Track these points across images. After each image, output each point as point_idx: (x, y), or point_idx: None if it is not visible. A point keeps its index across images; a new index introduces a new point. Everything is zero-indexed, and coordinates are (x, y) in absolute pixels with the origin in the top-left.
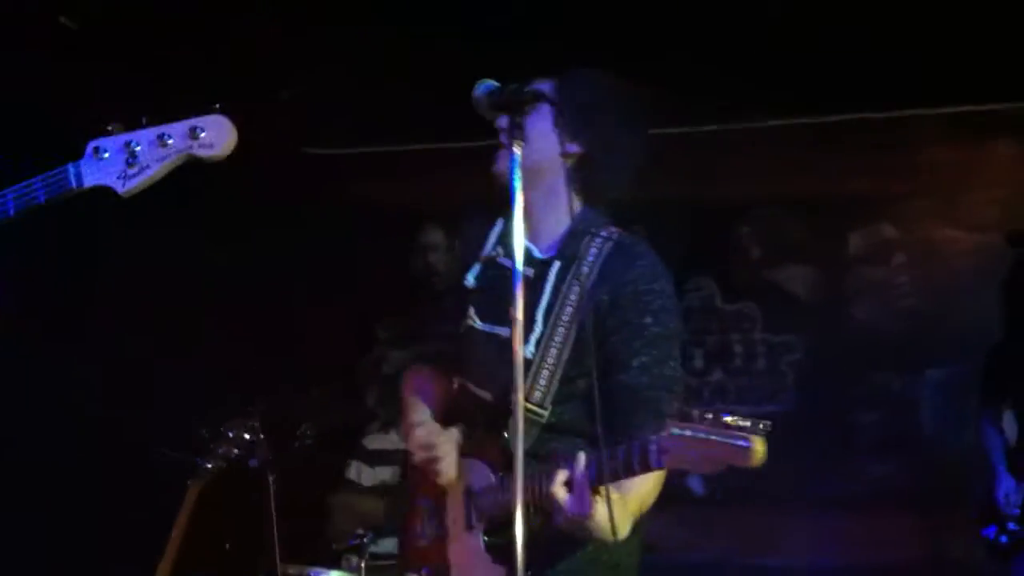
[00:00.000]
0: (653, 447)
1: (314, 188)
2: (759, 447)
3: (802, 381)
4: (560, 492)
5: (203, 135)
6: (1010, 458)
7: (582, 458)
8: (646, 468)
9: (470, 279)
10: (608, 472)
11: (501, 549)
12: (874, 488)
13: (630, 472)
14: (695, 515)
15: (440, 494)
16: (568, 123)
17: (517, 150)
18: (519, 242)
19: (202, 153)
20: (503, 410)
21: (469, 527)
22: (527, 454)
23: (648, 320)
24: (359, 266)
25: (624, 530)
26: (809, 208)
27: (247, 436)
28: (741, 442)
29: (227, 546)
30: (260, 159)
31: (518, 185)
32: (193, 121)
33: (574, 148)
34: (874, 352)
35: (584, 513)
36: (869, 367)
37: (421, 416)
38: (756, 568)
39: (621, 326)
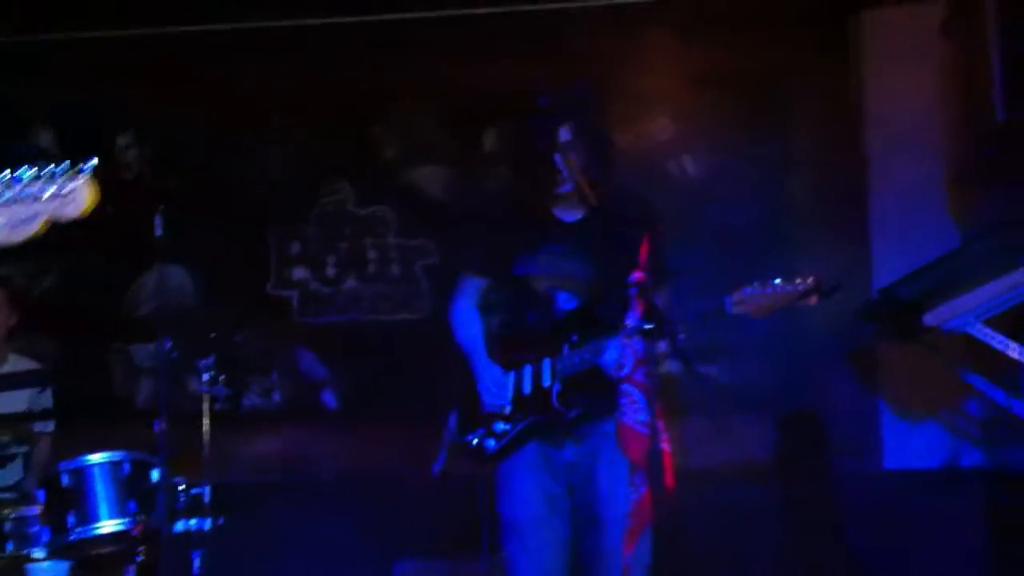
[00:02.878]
0: None
1: None
2: None
3: (436, 287)
4: None
5: None
6: (491, 343)
7: None
8: None
9: None
10: None
11: None
12: None
13: None
14: (329, 430)
15: None
16: None
17: None
18: None
19: None
20: None
21: None
22: None
23: None
24: None
25: None
26: (444, 105)
27: None
28: None
29: None
30: None
31: None
32: None
33: None
34: None
35: None
36: None
37: None
38: (386, 478)
39: None
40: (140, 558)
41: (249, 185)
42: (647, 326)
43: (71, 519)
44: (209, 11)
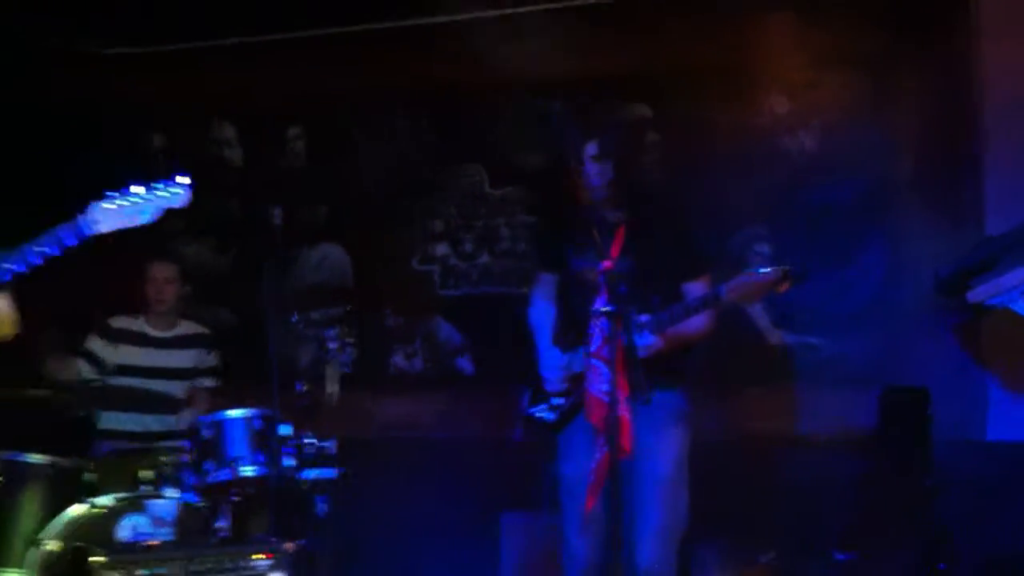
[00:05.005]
0: None
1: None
2: None
3: None
4: None
5: None
6: (556, 330)
7: None
8: None
9: None
10: None
11: None
12: None
13: None
14: (463, 393)
15: None
16: None
17: None
18: None
19: None
20: None
21: None
22: None
23: None
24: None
25: None
26: (567, 90)
27: None
28: None
29: None
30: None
31: None
32: None
33: None
34: None
35: None
36: None
37: None
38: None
39: None
40: (235, 498)
41: (399, 170)
42: (610, 309)
43: (209, 465)
44: (351, 13)
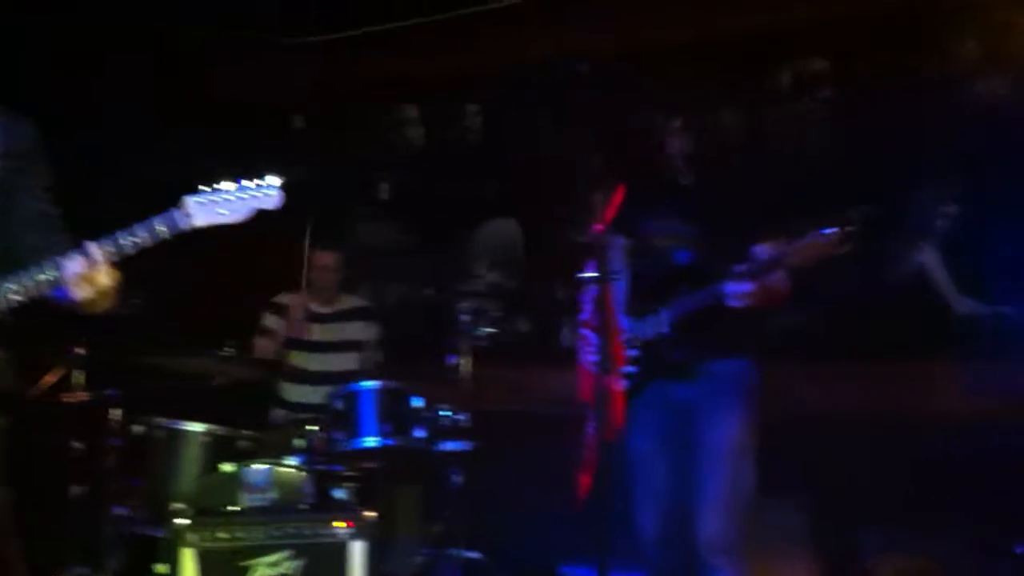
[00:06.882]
0: None
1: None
2: None
3: None
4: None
5: None
6: (628, 296)
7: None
8: None
9: None
10: None
11: None
12: None
13: None
14: None
15: None
16: None
17: None
18: None
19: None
20: None
21: None
22: None
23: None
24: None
25: None
26: (733, 46)
27: None
28: None
29: None
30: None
31: None
32: None
33: None
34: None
35: None
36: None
37: None
38: None
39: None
40: (318, 467)
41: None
42: (597, 275)
43: (338, 435)
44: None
